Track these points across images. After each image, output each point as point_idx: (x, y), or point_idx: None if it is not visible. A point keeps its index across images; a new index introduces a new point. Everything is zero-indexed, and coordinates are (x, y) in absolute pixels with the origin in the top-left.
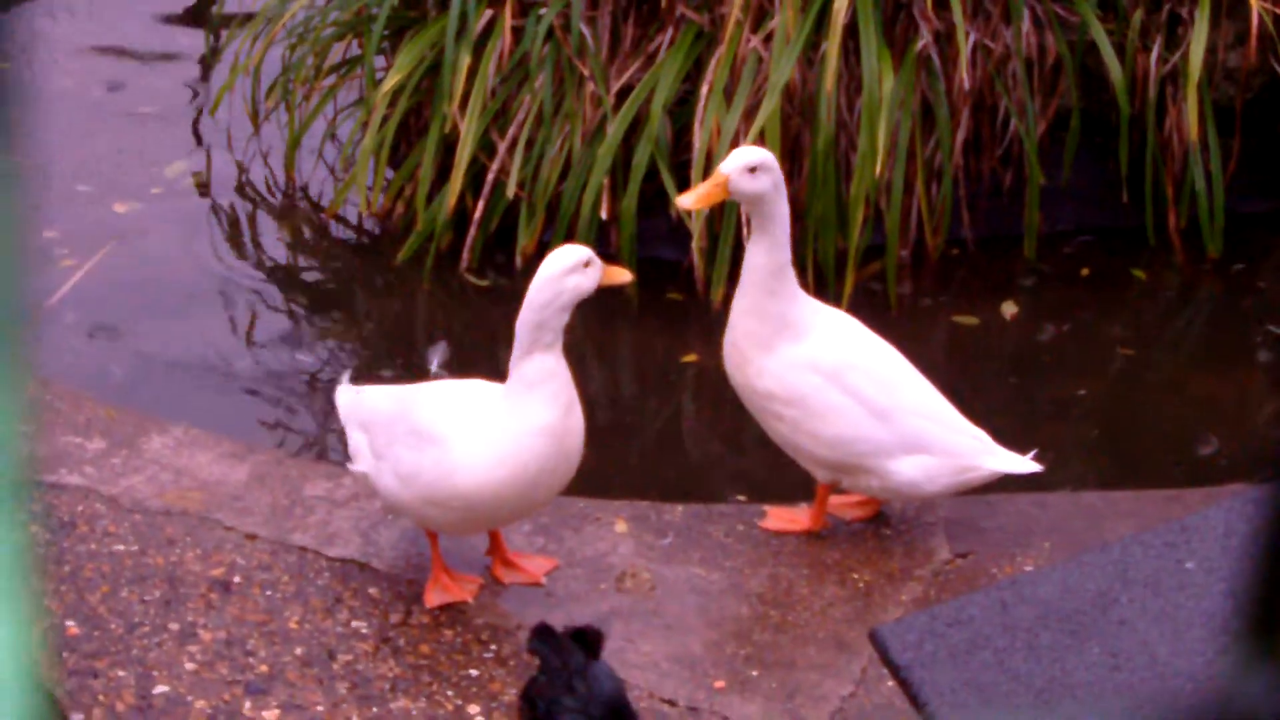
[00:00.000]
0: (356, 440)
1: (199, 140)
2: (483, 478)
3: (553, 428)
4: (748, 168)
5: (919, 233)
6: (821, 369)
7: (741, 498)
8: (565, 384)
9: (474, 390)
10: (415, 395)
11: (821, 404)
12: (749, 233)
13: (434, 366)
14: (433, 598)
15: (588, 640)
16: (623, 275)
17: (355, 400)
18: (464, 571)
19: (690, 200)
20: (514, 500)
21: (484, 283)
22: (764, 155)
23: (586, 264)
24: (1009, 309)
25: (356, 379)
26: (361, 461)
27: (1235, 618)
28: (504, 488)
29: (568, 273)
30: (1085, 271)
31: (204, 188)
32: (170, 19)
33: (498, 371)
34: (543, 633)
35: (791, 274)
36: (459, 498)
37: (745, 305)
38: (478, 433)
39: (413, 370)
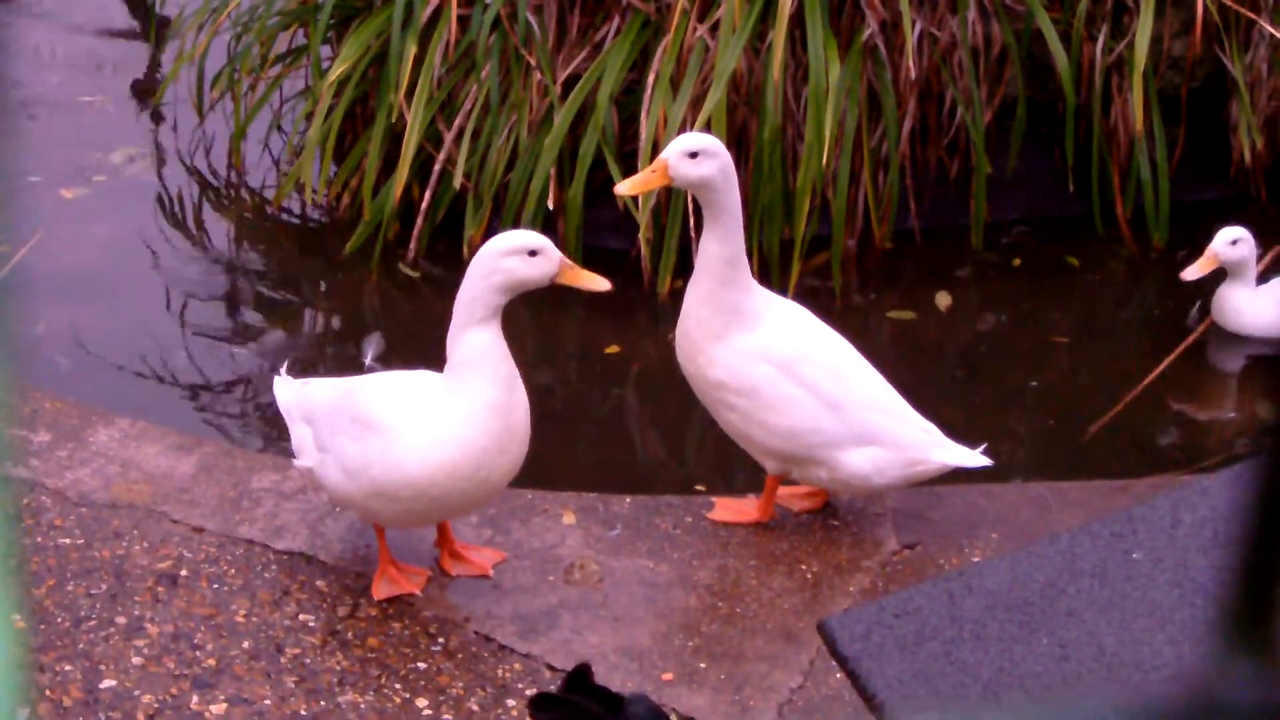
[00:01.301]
0: (301, 434)
1: (143, 130)
2: (431, 463)
3: (496, 404)
4: (688, 153)
5: (865, 223)
6: (774, 359)
7: (701, 488)
8: (503, 360)
9: (417, 379)
10: (357, 385)
11: (774, 394)
12: (696, 223)
13: (368, 359)
14: (381, 590)
15: (586, 682)
16: (597, 283)
17: (299, 392)
18: (411, 563)
19: (626, 187)
20: (465, 485)
21: (414, 273)
22: (706, 141)
23: (532, 253)
24: (945, 300)
25: (297, 371)
26: (306, 456)
27: (1216, 607)
28: (454, 471)
29: (506, 254)
30: (1017, 262)
31: (148, 178)
32: (113, 9)
33: (441, 363)
34: (544, 702)
35: (745, 263)
36: (409, 487)
37: (698, 295)
38: (423, 418)
39: (357, 362)
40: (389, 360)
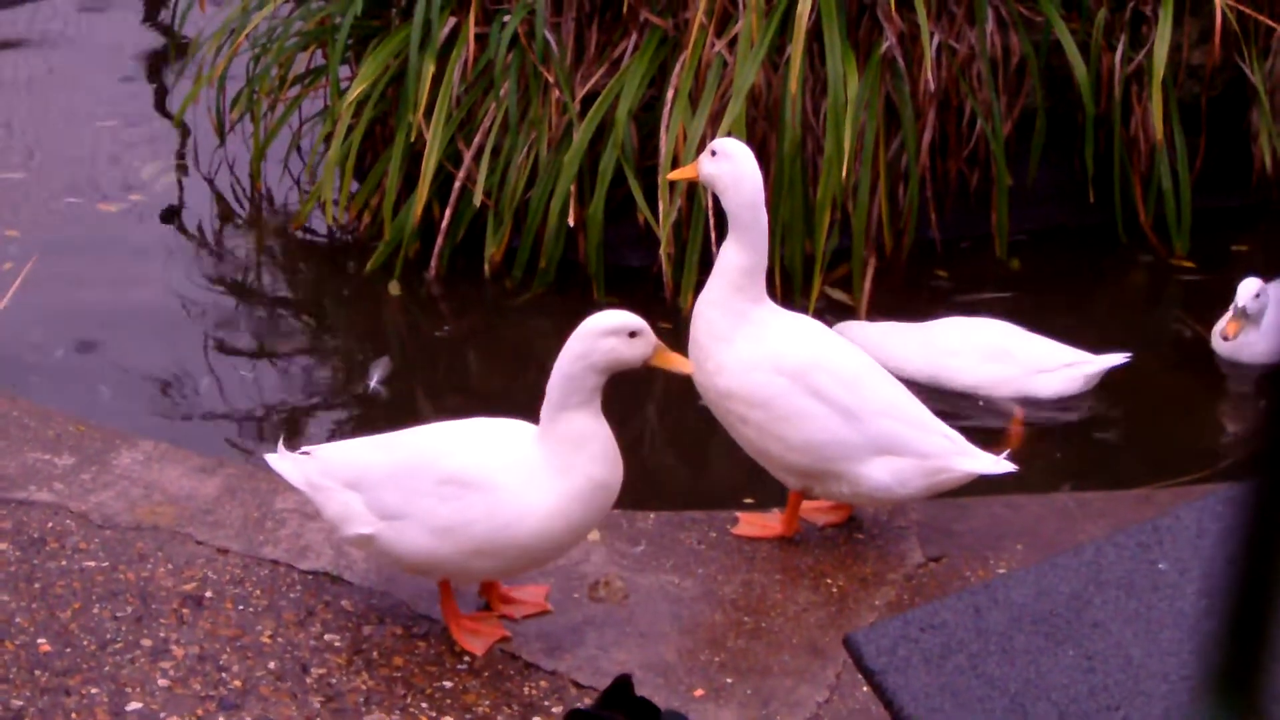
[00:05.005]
0: (345, 502)
1: (163, 153)
2: (542, 527)
3: (603, 483)
4: (710, 149)
5: (887, 235)
6: (785, 370)
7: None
8: (607, 440)
9: (503, 431)
10: (432, 442)
11: (787, 407)
12: (718, 237)
13: (373, 383)
14: (476, 644)
15: (627, 695)
16: (684, 365)
17: (328, 461)
18: (461, 608)
19: (673, 174)
20: (565, 546)
21: (397, 292)
22: (728, 143)
23: (632, 334)
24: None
25: (294, 434)
26: (359, 524)
27: (1201, 668)
28: (563, 536)
29: (605, 334)
30: (1016, 264)
31: (168, 200)
32: (131, 31)
33: (456, 386)
34: (577, 718)
35: (761, 278)
36: (514, 546)
37: (709, 297)
38: (529, 481)
39: (372, 385)
40: (405, 382)
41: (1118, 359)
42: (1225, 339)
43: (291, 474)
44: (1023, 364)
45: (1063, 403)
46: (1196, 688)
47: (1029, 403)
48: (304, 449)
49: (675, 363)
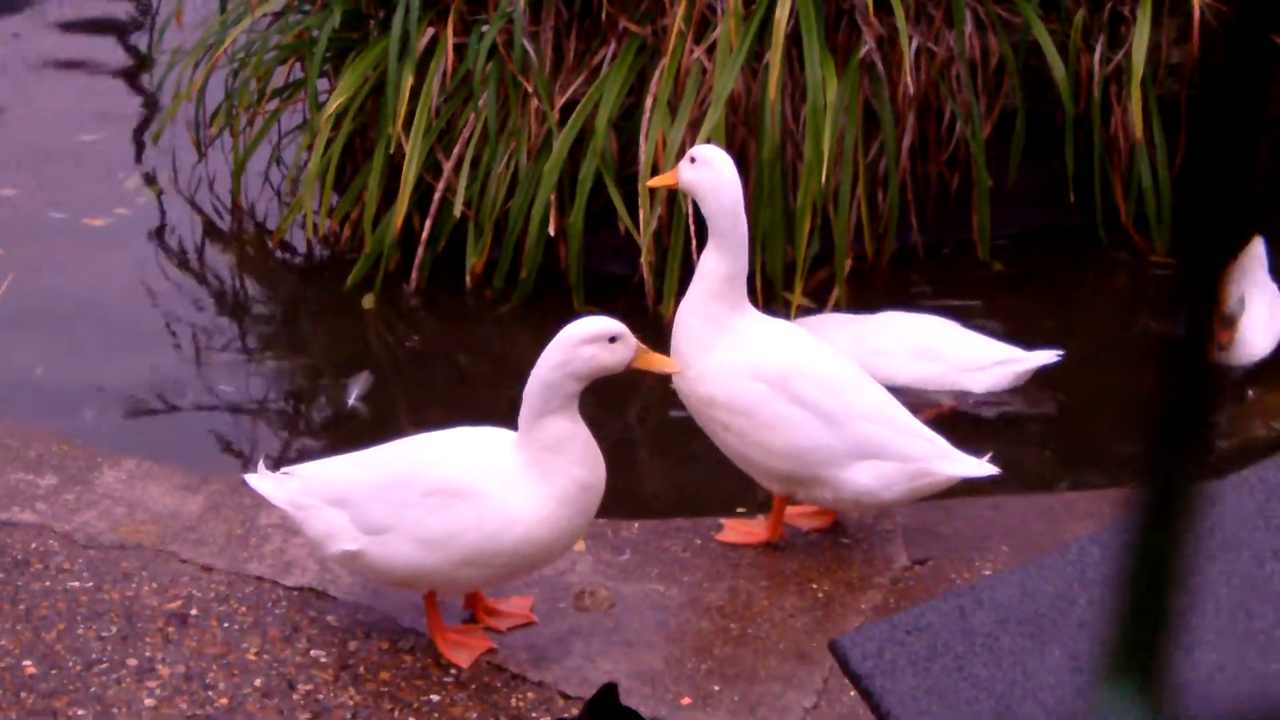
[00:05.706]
0: (328, 519)
1: (143, 168)
2: (530, 533)
3: (585, 484)
4: (689, 157)
5: (868, 239)
6: (765, 377)
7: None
8: (586, 442)
9: (483, 439)
10: (415, 453)
11: (769, 414)
12: (699, 245)
13: (352, 398)
14: (462, 657)
15: (612, 703)
16: (668, 365)
17: (310, 479)
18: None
19: (652, 181)
20: (552, 553)
21: (370, 305)
22: (707, 150)
23: (612, 339)
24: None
25: (276, 449)
26: (344, 540)
27: (1099, 654)
28: (552, 542)
29: (585, 341)
30: (999, 267)
31: (148, 216)
32: (112, 47)
33: (444, 402)
34: None
35: (742, 286)
36: (502, 554)
37: (689, 304)
38: (514, 488)
39: (366, 400)
40: (386, 396)
41: (1049, 356)
42: (1222, 349)
43: (273, 494)
44: (952, 361)
45: (995, 398)
46: (1095, 675)
47: (961, 397)
48: (284, 469)
49: (658, 363)
